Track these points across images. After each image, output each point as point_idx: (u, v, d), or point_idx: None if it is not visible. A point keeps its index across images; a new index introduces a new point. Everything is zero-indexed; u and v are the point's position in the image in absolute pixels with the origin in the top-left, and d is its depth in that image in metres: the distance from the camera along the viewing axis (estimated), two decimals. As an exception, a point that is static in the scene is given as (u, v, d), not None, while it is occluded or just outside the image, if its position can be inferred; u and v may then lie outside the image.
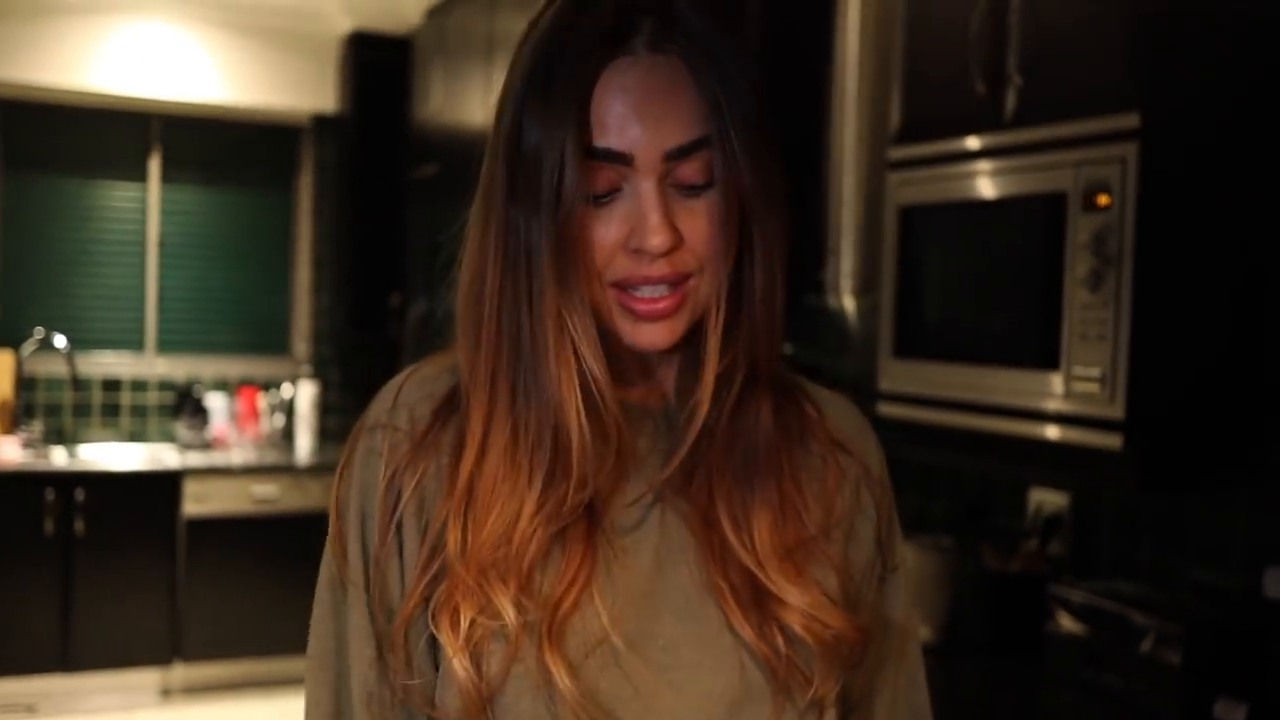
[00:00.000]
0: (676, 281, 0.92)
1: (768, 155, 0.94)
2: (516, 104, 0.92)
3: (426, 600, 0.92)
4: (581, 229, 0.91)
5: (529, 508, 0.91)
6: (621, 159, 0.90)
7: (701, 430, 0.95)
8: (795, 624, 0.92)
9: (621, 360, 0.97)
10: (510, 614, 0.88)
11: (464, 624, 0.88)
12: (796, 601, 0.92)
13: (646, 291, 0.92)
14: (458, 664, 0.88)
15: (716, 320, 0.95)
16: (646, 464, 0.97)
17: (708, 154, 0.91)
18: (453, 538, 0.91)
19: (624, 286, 0.92)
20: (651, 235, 0.89)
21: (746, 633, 0.92)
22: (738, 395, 0.96)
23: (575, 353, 0.92)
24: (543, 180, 0.89)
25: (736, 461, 0.96)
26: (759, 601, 0.93)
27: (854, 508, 1.03)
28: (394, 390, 0.99)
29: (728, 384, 0.96)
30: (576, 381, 0.92)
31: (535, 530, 0.91)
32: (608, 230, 0.91)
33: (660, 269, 0.91)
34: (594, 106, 0.90)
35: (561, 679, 0.87)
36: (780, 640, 0.92)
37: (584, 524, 0.93)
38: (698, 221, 0.91)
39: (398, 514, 0.94)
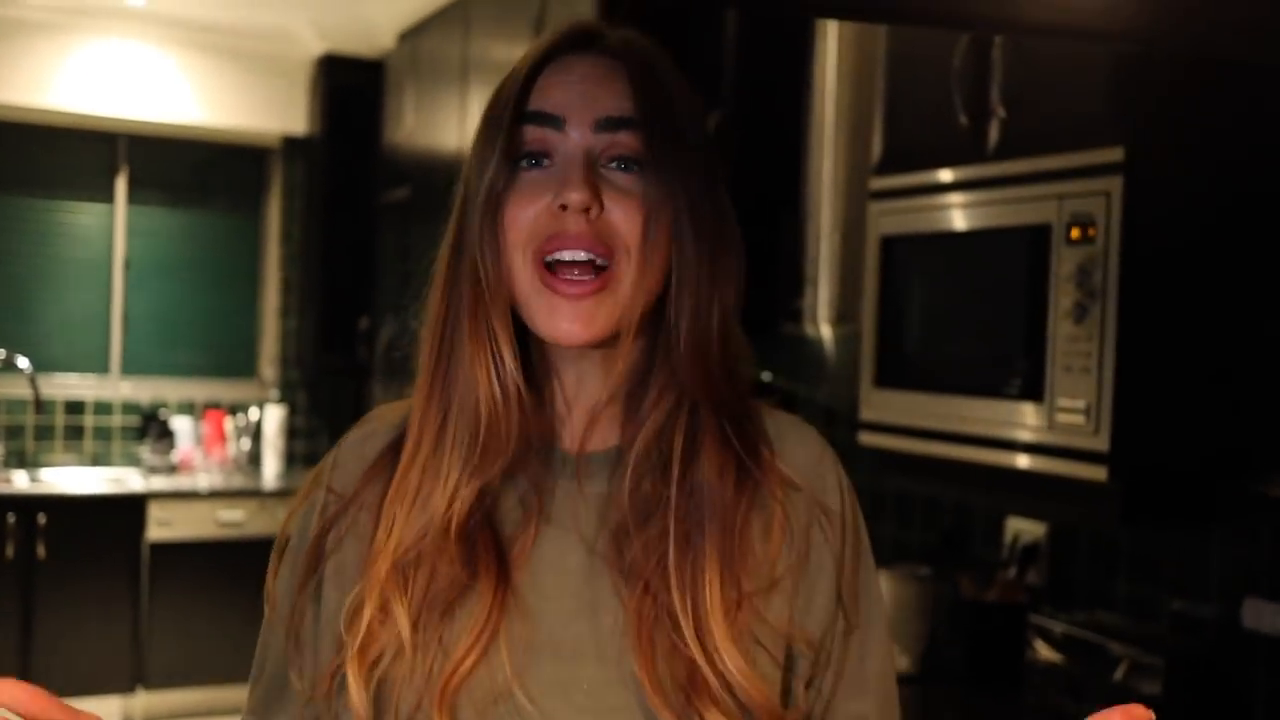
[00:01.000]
0: (600, 261, 0.93)
1: (706, 179, 0.97)
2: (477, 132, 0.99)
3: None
4: (511, 196, 0.95)
5: (443, 498, 0.94)
6: (552, 120, 0.95)
7: (643, 483, 0.95)
8: (715, 698, 0.90)
9: (550, 405, 0.99)
10: (405, 626, 0.91)
11: (364, 621, 0.92)
12: (727, 665, 0.90)
13: (571, 273, 0.93)
14: (356, 698, 0.92)
15: (630, 330, 0.95)
16: (578, 513, 0.97)
17: (641, 135, 0.95)
18: (381, 532, 0.96)
19: (548, 263, 0.93)
20: (572, 190, 0.92)
21: (665, 714, 0.90)
22: (684, 447, 0.96)
23: (491, 346, 0.95)
24: (482, 156, 0.96)
25: (688, 524, 0.94)
26: (692, 683, 0.91)
27: (803, 558, 0.98)
28: (334, 452, 1.05)
29: (670, 425, 0.96)
30: (493, 372, 0.95)
31: (446, 516, 0.94)
32: (536, 192, 0.94)
33: (580, 230, 0.92)
34: (544, 74, 0.97)
35: None
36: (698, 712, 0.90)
37: (494, 575, 0.93)
38: (623, 199, 0.94)
39: (319, 572, 1.00)
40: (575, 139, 0.94)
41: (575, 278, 0.93)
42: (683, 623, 0.90)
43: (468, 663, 0.90)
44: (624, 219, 0.93)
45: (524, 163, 0.96)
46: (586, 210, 0.92)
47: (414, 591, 0.92)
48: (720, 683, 0.90)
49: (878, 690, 1.03)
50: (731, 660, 0.90)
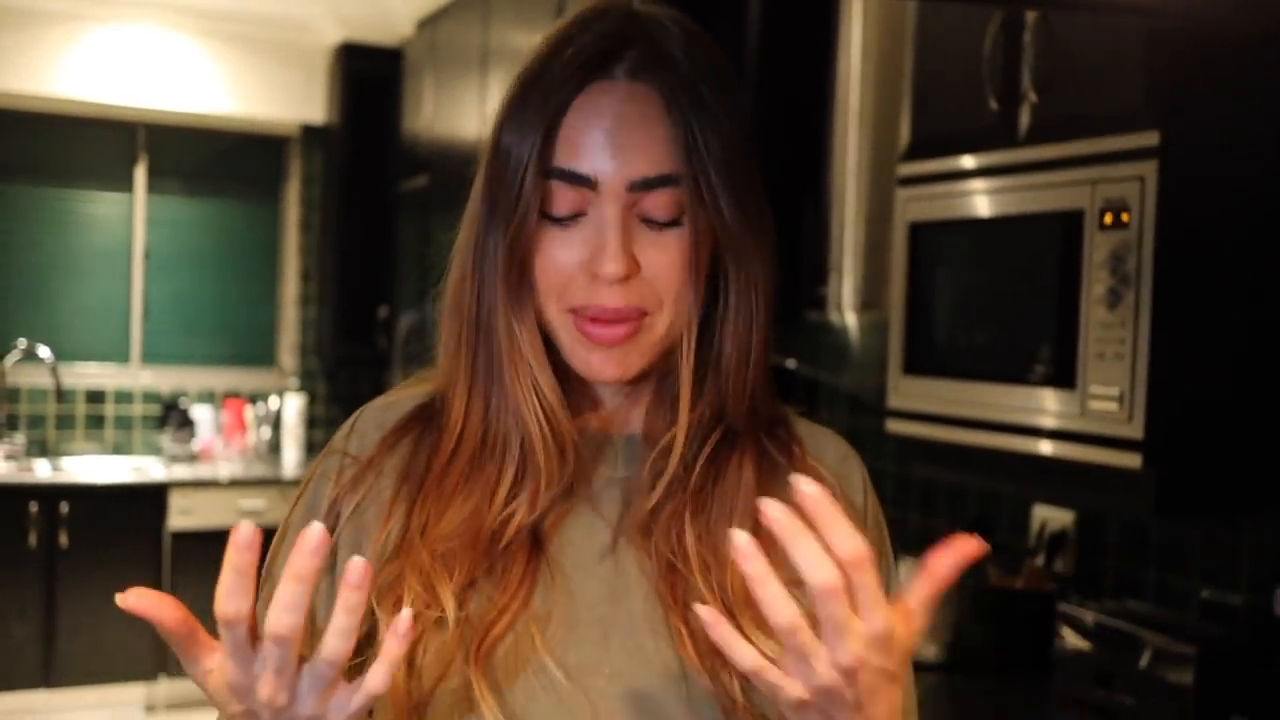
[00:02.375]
0: (631, 316, 0.91)
1: (749, 195, 0.94)
2: (498, 123, 0.94)
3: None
4: (541, 248, 0.92)
5: (491, 506, 0.93)
6: (585, 182, 0.90)
7: (673, 471, 0.95)
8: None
9: (580, 392, 0.98)
10: (450, 606, 0.89)
11: (406, 603, 0.89)
12: (761, 649, 0.88)
13: (604, 318, 0.92)
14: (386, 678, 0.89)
15: (686, 356, 0.94)
16: (602, 495, 0.97)
17: (675, 191, 0.90)
18: (415, 521, 0.94)
19: (579, 312, 0.92)
20: (608, 261, 0.89)
21: (701, 678, 0.89)
22: (716, 440, 0.96)
23: (529, 368, 0.94)
24: (505, 195, 0.91)
25: (711, 507, 0.94)
26: (717, 649, 0.90)
27: None
28: (354, 418, 1.03)
29: (702, 427, 0.96)
30: (533, 396, 0.94)
31: (492, 529, 0.93)
32: (568, 252, 0.91)
33: (615, 298, 0.90)
34: (565, 128, 0.90)
35: (485, 700, 0.86)
36: (737, 688, 0.89)
37: (526, 549, 0.93)
38: (660, 256, 0.91)
39: (336, 536, 0.96)
40: (610, 197, 0.90)
41: (608, 322, 0.91)
42: (710, 602, 0.90)
43: (499, 627, 0.89)
44: (662, 275, 0.91)
45: (558, 217, 0.92)
46: (626, 276, 0.90)
47: (456, 574, 0.91)
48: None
49: None
50: (761, 641, 0.89)
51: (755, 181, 0.96)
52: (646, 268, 0.91)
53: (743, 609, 0.90)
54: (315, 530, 0.73)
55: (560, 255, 0.91)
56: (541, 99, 0.90)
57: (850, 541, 0.72)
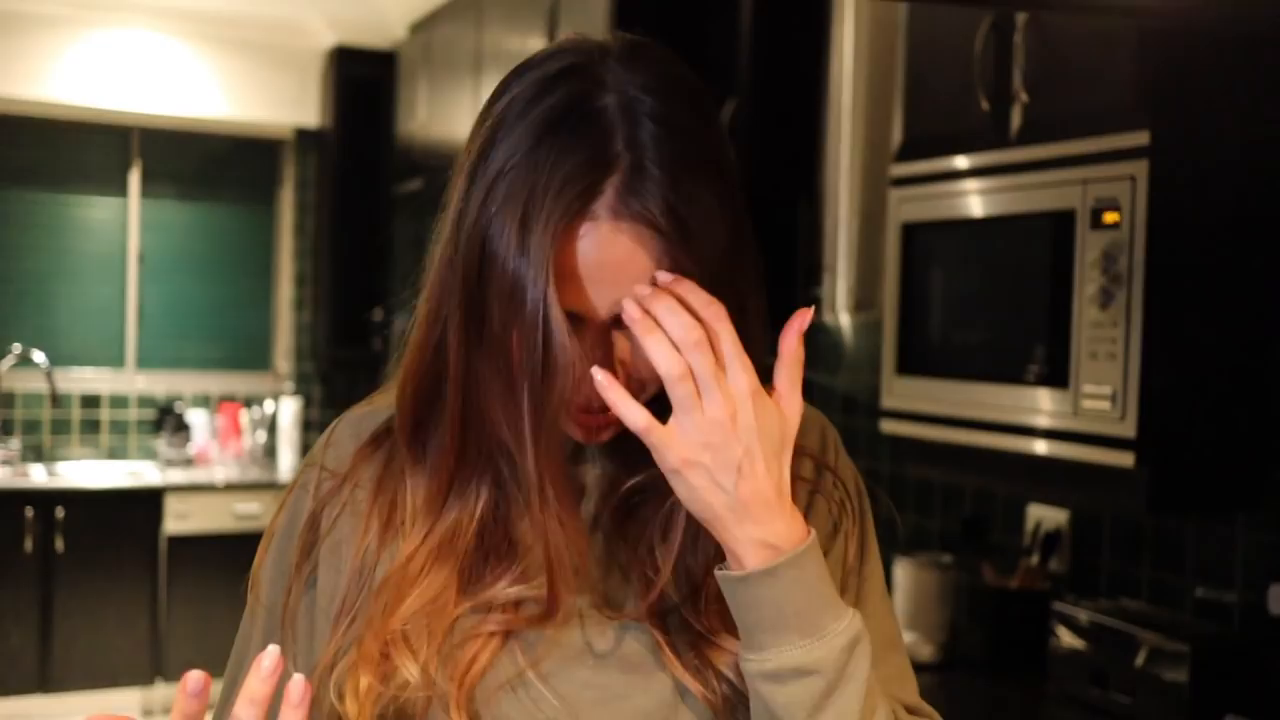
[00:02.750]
0: None
1: (742, 272, 0.91)
2: (486, 221, 0.87)
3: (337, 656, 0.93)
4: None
5: (474, 599, 0.91)
6: (577, 319, 0.87)
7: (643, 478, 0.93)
8: (732, 672, 0.90)
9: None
10: (414, 674, 0.89)
11: (362, 690, 0.89)
12: (732, 648, 0.90)
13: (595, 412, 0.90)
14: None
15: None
16: (586, 501, 0.96)
17: None
18: (375, 606, 0.92)
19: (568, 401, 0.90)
20: (588, 387, 0.86)
21: (682, 674, 0.90)
22: None
23: (549, 495, 0.89)
24: (521, 326, 0.86)
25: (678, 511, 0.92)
26: (696, 647, 0.91)
27: (809, 502, 0.98)
28: (330, 429, 1.03)
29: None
30: (553, 511, 0.89)
31: (459, 618, 0.91)
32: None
33: (597, 405, 0.89)
34: (559, 257, 0.85)
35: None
36: (716, 682, 0.90)
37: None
38: (647, 359, 0.87)
39: (314, 552, 0.97)
40: (592, 332, 0.88)
41: (599, 412, 0.90)
42: (685, 611, 0.91)
43: (479, 665, 0.89)
44: (648, 372, 0.88)
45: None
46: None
47: (422, 649, 0.90)
48: (730, 658, 0.90)
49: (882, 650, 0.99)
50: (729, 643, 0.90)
51: (748, 249, 0.92)
52: (638, 369, 0.89)
53: (712, 612, 0.91)
54: (271, 654, 0.76)
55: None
56: (541, 230, 0.84)
57: (704, 298, 0.83)
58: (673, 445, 0.83)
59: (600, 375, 0.83)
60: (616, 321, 0.88)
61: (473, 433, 0.92)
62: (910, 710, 0.98)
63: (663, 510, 0.93)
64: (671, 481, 0.85)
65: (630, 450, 0.92)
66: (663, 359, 0.82)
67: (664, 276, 0.83)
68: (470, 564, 0.92)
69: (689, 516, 0.89)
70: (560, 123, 0.85)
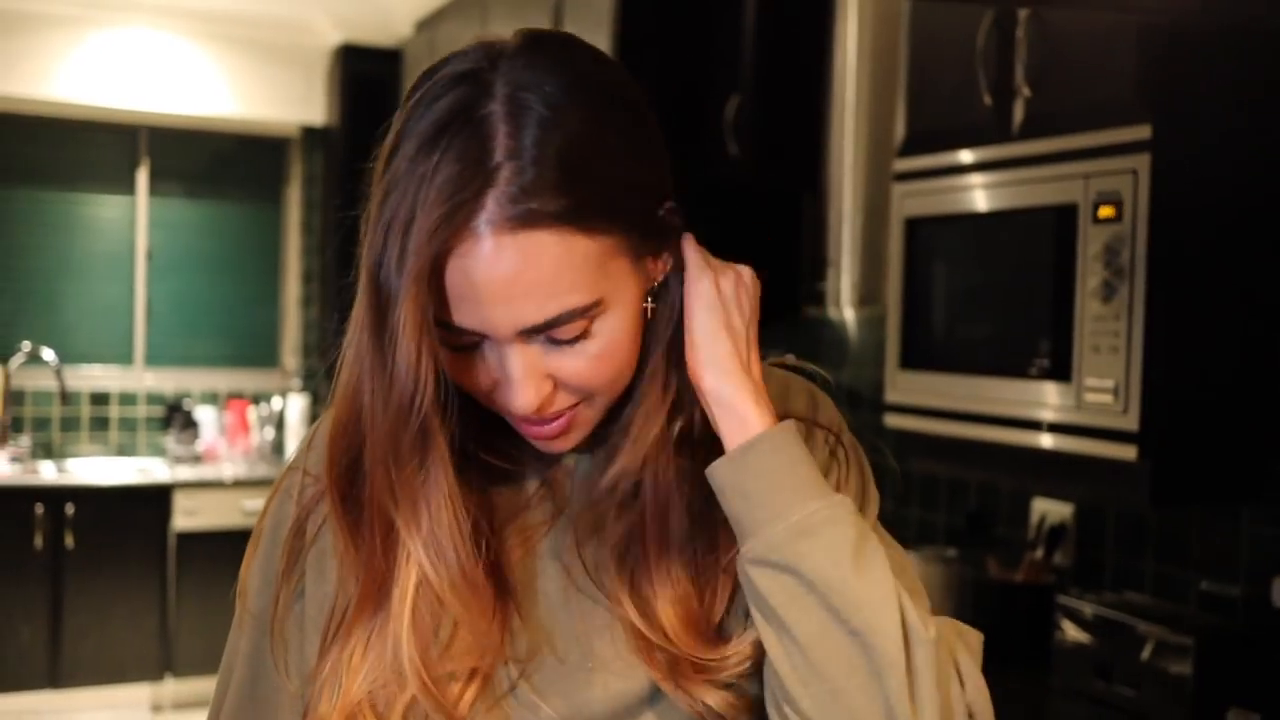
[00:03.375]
0: (562, 415, 0.88)
1: (651, 236, 0.89)
2: (373, 245, 0.85)
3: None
4: (449, 362, 0.87)
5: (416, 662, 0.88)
6: (473, 334, 0.84)
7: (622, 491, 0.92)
8: (714, 703, 0.89)
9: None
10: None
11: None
12: (713, 689, 0.89)
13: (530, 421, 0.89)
14: None
15: (645, 393, 0.91)
16: (544, 517, 0.95)
17: (580, 318, 0.84)
18: (324, 694, 0.89)
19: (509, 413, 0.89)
20: (515, 398, 0.85)
21: (675, 695, 0.89)
22: (659, 448, 0.92)
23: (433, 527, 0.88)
24: (391, 342, 0.84)
25: (646, 535, 0.91)
26: (675, 672, 0.89)
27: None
28: (312, 431, 1.00)
29: (655, 448, 0.92)
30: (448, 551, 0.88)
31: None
32: (475, 376, 0.87)
33: (535, 417, 0.87)
34: (445, 281, 0.82)
35: None
36: (701, 704, 0.89)
37: (489, 597, 0.90)
38: (574, 363, 0.86)
39: (301, 559, 0.95)
40: (504, 343, 0.84)
41: (542, 422, 0.89)
42: (656, 640, 0.90)
43: (469, 693, 0.88)
44: (578, 380, 0.86)
45: (458, 347, 0.86)
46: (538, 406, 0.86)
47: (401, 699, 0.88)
48: (700, 664, 0.89)
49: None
50: (709, 661, 0.89)
51: (653, 192, 0.89)
52: (563, 378, 0.86)
53: (684, 640, 0.89)
54: None
55: (467, 377, 0.87)
56: (414, 253, 0.81)
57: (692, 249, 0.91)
58: (711, 296, 0.89)
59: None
60: (542, 335, 0.84)
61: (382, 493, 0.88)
62: None
63: (645, 511, 0.91)
64: (694, 325, 0.89)
65: (600, 456, 0.92)
66: (691, 257, 0.91)
67: None
68: (417, 625, 0.88)
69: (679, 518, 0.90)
70: (442, 134, 0.81)
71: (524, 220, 0.80)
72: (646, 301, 0.90)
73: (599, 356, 0.86)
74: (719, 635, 0.90)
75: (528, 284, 0.81)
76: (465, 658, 0.88)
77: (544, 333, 0.84)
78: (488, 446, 0.94)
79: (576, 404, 0.88)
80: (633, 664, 0.90)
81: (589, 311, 0.84)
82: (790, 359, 1.03)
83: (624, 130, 0.86)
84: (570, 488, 0.95)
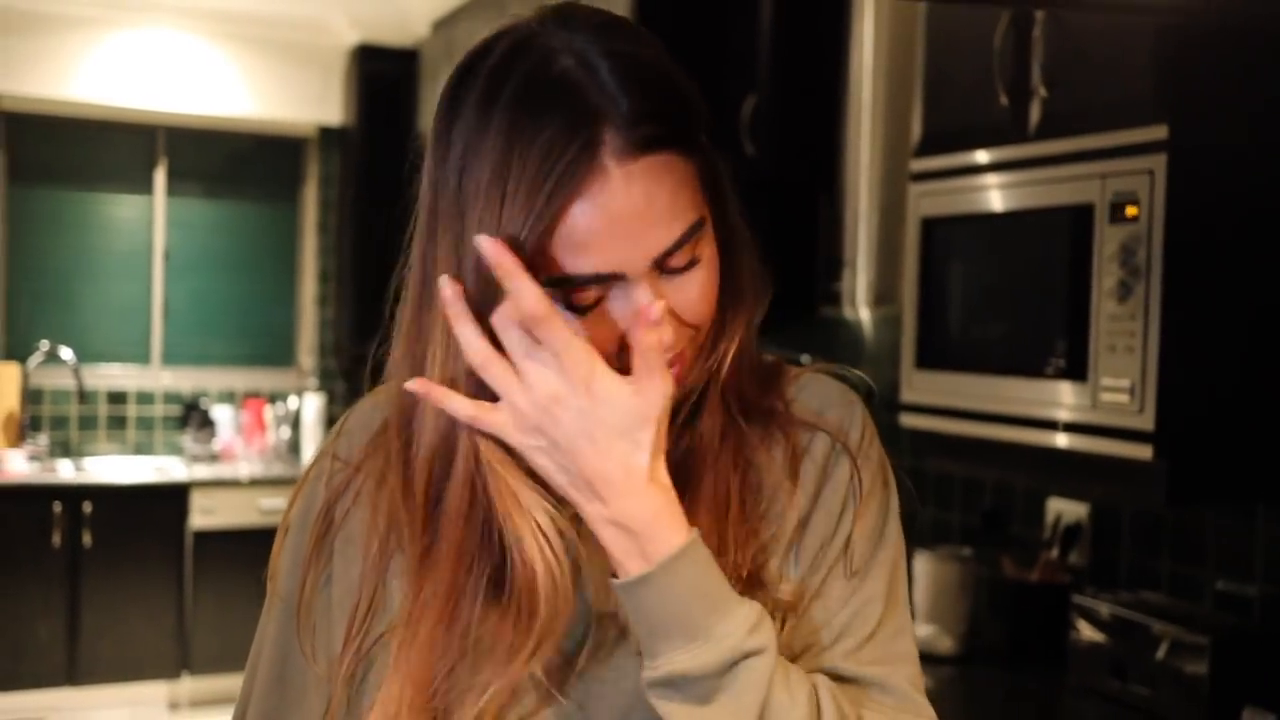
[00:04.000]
0: (671, 361, 0.88)
1: (728, 184, 0.93)
2: (449, 228, 0.86)
3: (359, 657, 0.92)
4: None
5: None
6: (609, 278, 0.84)
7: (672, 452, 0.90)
8: None
9: None
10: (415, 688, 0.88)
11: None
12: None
13: None
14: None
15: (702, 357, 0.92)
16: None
17: (697, 236, 0.87)
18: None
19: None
20: (658, 336, 0.84)
21: None
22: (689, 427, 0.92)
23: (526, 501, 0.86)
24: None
25: (688, 488, 0.90)
26: None
27: (822, 474, 0.94)
28: (342, 420, 1.03)
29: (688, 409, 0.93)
30: (539, 534, 0.86)
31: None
32: (599, 331, 0.86)
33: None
34: (567, 231, 0.82)
35: None
36: None
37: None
38: (687, 294, 0.87)
39: (328, 543, 0.96)
40: (638, 281, 0.85)
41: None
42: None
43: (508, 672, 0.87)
44: (692, 312, 0.88)
45: (582, 308, 0.86)
46: None
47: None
48: None
49: (881, 644, 0.94)
50: None
51: (725, 166, 0.94)
52: (679, 311, 0.87)
53: None
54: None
55: (590, 328, 0.85)
56: (531, 205, 0.82)
57: (528, 298, 0.80)
58: (508, 430, 0.83)
59: (483, 242, 0.81)
60: (665, 263, 0.85)
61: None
62: (880, 687, 0.91)
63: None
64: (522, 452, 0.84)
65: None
66: (467, 346, 0.82)
67: (486, 244, 0.80)
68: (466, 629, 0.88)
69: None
70: (530, 102, 0.83)
71: (645, 146, 0.83)
72: None
73: (706, 283, 0.88)
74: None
75: (660, 208, 0.83)
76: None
77: (670, 256, 0.85)
78: None
79: (682, 351, 0.89)
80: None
81: (701, 230, 0.87)
82: (805, 360, 1.03)
83: (669, 58, 0.89)
84: None
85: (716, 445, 0.93)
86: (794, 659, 0.89)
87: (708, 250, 0.88)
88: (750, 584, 0.90)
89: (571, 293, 0.84)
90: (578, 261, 0.83)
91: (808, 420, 0.96)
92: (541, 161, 0.81)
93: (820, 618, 0.92)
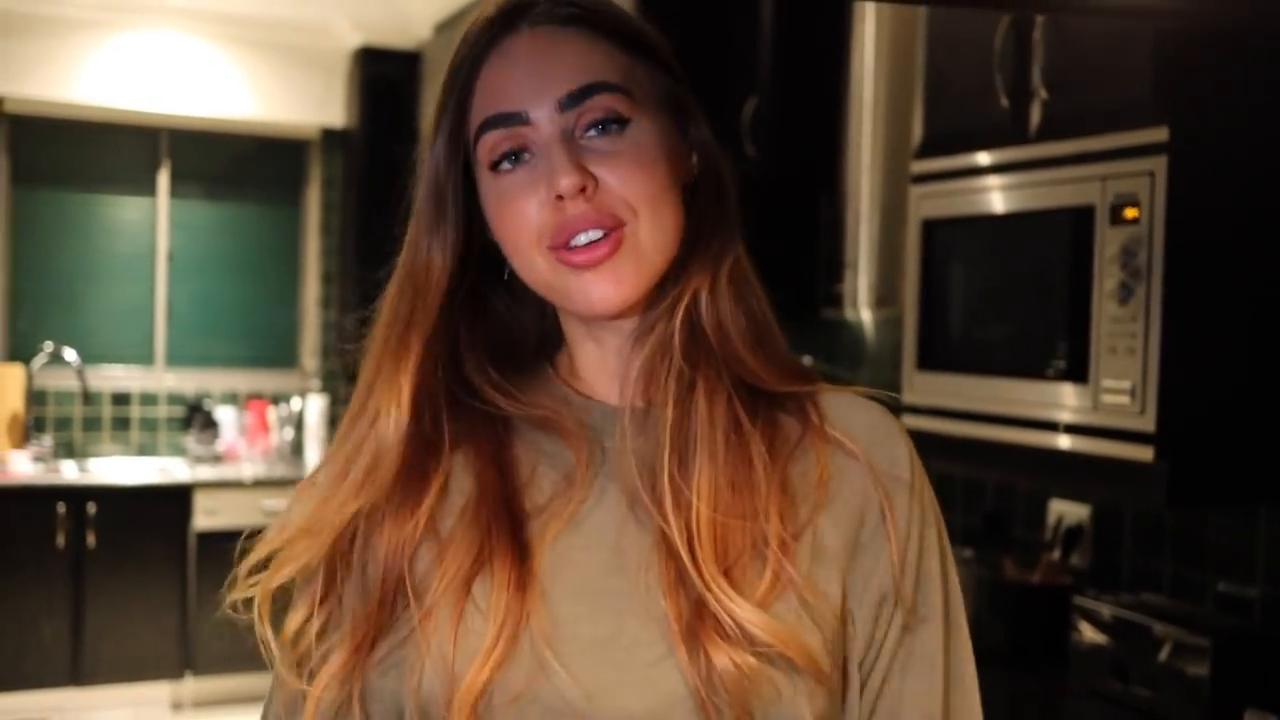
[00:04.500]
0: (610, 227, 0.90)
1: (691, 119, 0.97)
2: (430, 122, 0.96)
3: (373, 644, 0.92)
4: (501, 203, 0.92)
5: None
6: (516, 119, 0.90)
7: (671, 423, 0.92)
8: (717, 658, 0.85)
9: (582, 366, 0.99)
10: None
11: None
12: (734, 625, 0.86)
13: (582, 239, 0.90)
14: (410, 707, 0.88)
15: (677, 295, 0.94)
16: (619, 465, 0.94)
17: (611, 95, 0.90)
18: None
19: (558, 246, 0.90)
20: (560, 178, 0.88)
21: (680, 654, 0.86)
22: (695, 396, 0.92)
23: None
24: (440, 167, 0.95)
25: (676, 457, 0.91)
26: (695, 622, 0.87)
27: (862, 508, 0.93)
28: None
29: (689, 380, 0.93)
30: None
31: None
32: (526, 193, 0.91)
33: (584, 211, 0.89)
34: (482, 83, 0.93)
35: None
36: (704, 668, 0.86)
37: (508, 559, 0.90)
38: (615, 161, 0.90)
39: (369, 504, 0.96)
40: (545, 126, 0.90)
41: (588, 246, 0.90)
42: (683, 554, 0.88)
43: (496, 653, 0.87)
44: (621, 182, 0.90)
45: (503, 165, 0.92)
46: (582, 190, 0.89)
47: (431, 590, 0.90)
48: (727, 620, 0.86)
49: (955, 688, 0.97)
50: (729, 596, 0.86)
51: (695, 108, 0.97)
52: (606, 178, 0.90)
53: (709, 560, 0.88)
54: None
55: (519, 200, 0.91)
56: (452, 76, 0.94)
57: None
58: None
59: None
60: (578, 114, 0.91)
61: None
62: None
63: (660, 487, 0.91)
64: None
65: (651, 425, 0.93)
66: None
67: None
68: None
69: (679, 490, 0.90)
70: (477, 21, 0.95)
71: (559, 19, 0.92)
72: (684, 194, 0.95)
73: (637, 162, 0.91)
74: (743, 571, 0.88)
75: (565, 59, 0.91)
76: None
77: (581, 103, 0.90)
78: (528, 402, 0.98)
79: (622, 224, 0.90)
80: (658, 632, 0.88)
81: (619, 91, 0.91)
82: (809, 361, 1.04)
83: (650, 28, 0.97)
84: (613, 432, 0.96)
85: (713, 414, 0.92)
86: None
87: (637, 128, 0.91)
88: (771, 579, 0.88)
89: (490, 149, 0.91)
90: (490, 106, 0.91)
91: (844, 438, 0.95)
92: (477, 32, 0.93)
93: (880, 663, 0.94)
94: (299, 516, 0.97)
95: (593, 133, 0.91)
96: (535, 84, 0.90)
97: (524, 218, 0.91)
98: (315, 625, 0.95)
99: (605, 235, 0.90)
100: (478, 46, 0.93)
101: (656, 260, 0.92)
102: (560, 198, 0.89)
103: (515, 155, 0.91)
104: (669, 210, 0.92)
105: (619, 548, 0.91)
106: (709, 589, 0.86)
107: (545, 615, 0.88)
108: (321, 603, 0.95)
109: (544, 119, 0.90)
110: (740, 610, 0.86)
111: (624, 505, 0.93)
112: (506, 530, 0.91)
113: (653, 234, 0.91)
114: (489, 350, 1.00)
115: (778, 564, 0.88)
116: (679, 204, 0.94)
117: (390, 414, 0.94)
